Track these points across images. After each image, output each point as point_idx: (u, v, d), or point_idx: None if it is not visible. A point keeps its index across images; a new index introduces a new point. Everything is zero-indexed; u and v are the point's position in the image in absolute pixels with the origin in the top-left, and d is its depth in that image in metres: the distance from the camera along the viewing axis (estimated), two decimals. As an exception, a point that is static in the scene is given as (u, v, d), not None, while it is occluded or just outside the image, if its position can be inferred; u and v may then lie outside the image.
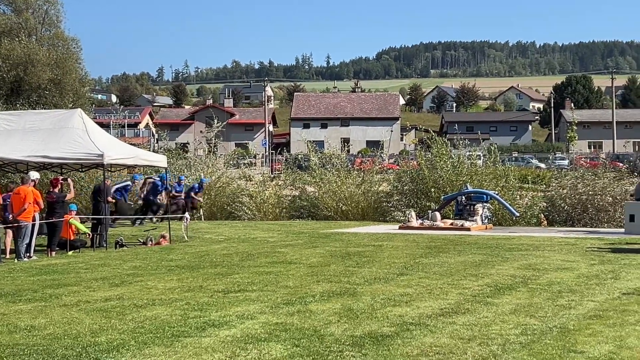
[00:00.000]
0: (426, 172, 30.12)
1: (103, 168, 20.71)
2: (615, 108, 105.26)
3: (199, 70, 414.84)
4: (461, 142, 33.78)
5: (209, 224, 28.17)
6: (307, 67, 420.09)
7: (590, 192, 28.61)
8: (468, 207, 25.87)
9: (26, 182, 18.71)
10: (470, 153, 33.35)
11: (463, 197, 26.27)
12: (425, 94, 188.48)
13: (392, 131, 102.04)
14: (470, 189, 26.69)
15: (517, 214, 26.88)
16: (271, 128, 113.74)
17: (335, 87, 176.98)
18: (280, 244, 19.61)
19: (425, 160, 31.35)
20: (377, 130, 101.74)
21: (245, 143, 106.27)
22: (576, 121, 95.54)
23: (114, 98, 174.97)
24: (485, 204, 25.83)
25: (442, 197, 27.55)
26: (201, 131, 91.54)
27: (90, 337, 8.78)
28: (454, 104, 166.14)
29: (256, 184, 36.10)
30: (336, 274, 13.57)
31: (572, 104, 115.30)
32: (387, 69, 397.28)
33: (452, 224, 24.48)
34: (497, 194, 26.99)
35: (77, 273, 14.46)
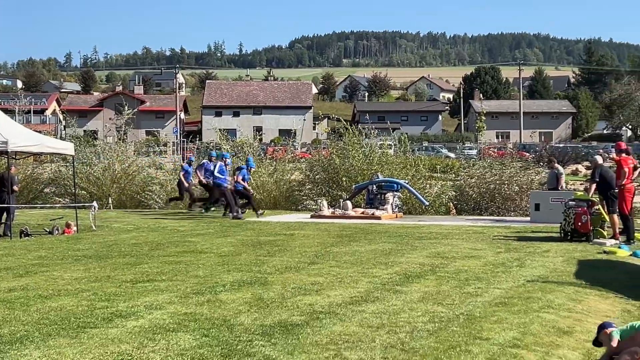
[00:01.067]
0: (337, 162, 30.26)
1: (7, 156, 20.14)
2: (523, 99, 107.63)
3: (109, 56, 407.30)
4: (373, 131, 34.06)
5: (118, 213, 27.76)
6: (219, 54, 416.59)
7: (497, 182, 29.12)
8: (379, 196, 26.16)
9: None
10: (382, 142, 33.67)
11: (374, 186, 26.54)
12: (337, 83, 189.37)
13: (304, 120, 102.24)
14: (381, 178, 26.95)
15: (427, 203, 27.28)
16: (182, 116, 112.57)
17: (247, 75, 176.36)
18: (190, 233, 19.47)
19: (337, 149, 31.50)
20: (289, 119, 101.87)
21: (156, 131, 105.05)
22: (484, 111, 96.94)
23: (19, 84, 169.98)
24: (395, 193, 26.15)
25: (354, 186, 27.74)
26: (110, 118, 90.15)
27: (-7, 330, 8.56)
28: (366, 94, 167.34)
29: (167, 172, 35.68)
30: (247, 263, 13.56)
31: (481, 95, 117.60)
32: (299, 57, 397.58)
33: (363, 212, 24.71)
34: (408, 183, 27.32)
35: (-21, 264, 14.04)
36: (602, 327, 7.94)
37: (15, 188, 21.83)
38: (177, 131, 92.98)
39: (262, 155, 37.16)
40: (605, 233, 17.56)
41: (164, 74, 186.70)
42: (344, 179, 29.71)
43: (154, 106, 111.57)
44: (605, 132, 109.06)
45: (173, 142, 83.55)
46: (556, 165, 25.07)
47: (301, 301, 10.12)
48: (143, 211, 29.68)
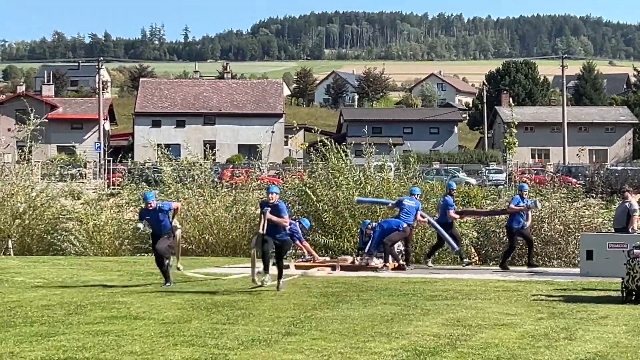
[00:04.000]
0: (320, 192, 30.25)
1: None
2: (567, 105, 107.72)
3: (7, 44, 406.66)
4: (369, 148, 33.80)
5: (22, 261, 27.56)
6: (157, 42, 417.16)
7: (535, 218, 29.12)
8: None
9: None
10: (381, 163, 33.63)
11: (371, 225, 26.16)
12: (317, 82, 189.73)
13: (273, 132, 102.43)
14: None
15: (457, 248, 26.89)
16: (108, 126, 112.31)
17: (196, 71, 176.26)
18: (121, 291, 19.33)
19: (317, 175, 31.55)
20: (253, 130, 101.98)
21: (72, 146, 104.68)
22: (516, 122, 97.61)
23: None
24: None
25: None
26: (9, 129, 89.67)
27: None
28: (356, 97, 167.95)
29: (87, 203, 35.58)
30: (200, 334, 13.45)
31: (511, 99, 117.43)
32: (266, 47, 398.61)
33: (353, 262, 24.61)
34: (434, 219, 27.14)
35: None
36: None
37: None
38: (100, 147, 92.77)
39: (217, 180, 37.19)
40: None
41: (82, 69, 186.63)
42: (324, 215, 29.73)
43: (69, 113, 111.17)
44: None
45: (95, 161, 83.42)
46: (630, 197, 24.88)
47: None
48: (55, 259, 29.55)
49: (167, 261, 20.47)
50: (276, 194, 19.23)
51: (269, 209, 18.85)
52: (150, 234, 21.01)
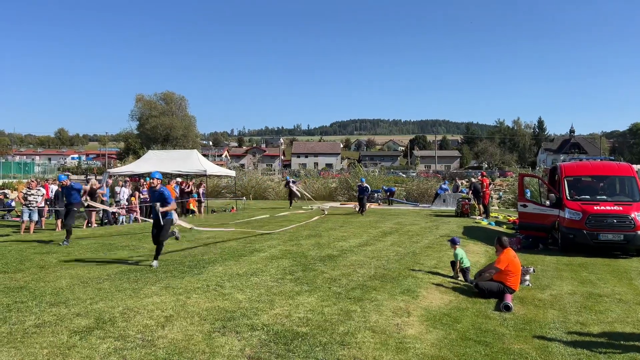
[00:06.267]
0: (350, 180, 29.91)
1: (206, 176, 20.35)
2: (437, 150, 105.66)
3: (250, 129, 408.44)
4: (369, 165, 33.85)
5: (255, 202, 27.63)
6: (298, 129, 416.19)
7: (425, 187, 28.47)
8: (372, 194, 25.51)
9: (170, 183, 18.18)
10: (373, 170, 33.29)
11: (368, 190, 25.44)
12: (352, 143, 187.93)
13: (336, 159, 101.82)
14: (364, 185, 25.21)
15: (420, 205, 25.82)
16: (283, 157, 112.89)
17: (312, 140, 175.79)
18: (285, 215, 19.24)
19: (351, 173, 31.17)
20: (330, 159, 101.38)
21: (271, 164, 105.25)
22: (420, 156, 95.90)
23: (210, 143, 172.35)
24: (379, 194, 25.61)
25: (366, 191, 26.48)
26: (251, 159, 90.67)
27: (200, 257, 8.64)
28: (365, 147, 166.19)
29: (274, 182, 35.64)
30: (312, 226, 13.37)
31: (418, 148, 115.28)
32: (335, 131, 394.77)
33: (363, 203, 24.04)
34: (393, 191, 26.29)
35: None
36: (452, 241, 7.60)
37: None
38: (280, 164, 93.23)
39: (318, 175, 36.96)
40: (476, 213, 17.15)
41: (274, 139, 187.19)
42: (355, 187, 29.33)
43: (270, 153, 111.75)
44: (475, 164, 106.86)
45: (278, 169, 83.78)
46: (457, 182, 24.32)
47: (337, 244, 9.99)
48: (266, 200, 29.64)
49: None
50: (158, 179, 8.03)
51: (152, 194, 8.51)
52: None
